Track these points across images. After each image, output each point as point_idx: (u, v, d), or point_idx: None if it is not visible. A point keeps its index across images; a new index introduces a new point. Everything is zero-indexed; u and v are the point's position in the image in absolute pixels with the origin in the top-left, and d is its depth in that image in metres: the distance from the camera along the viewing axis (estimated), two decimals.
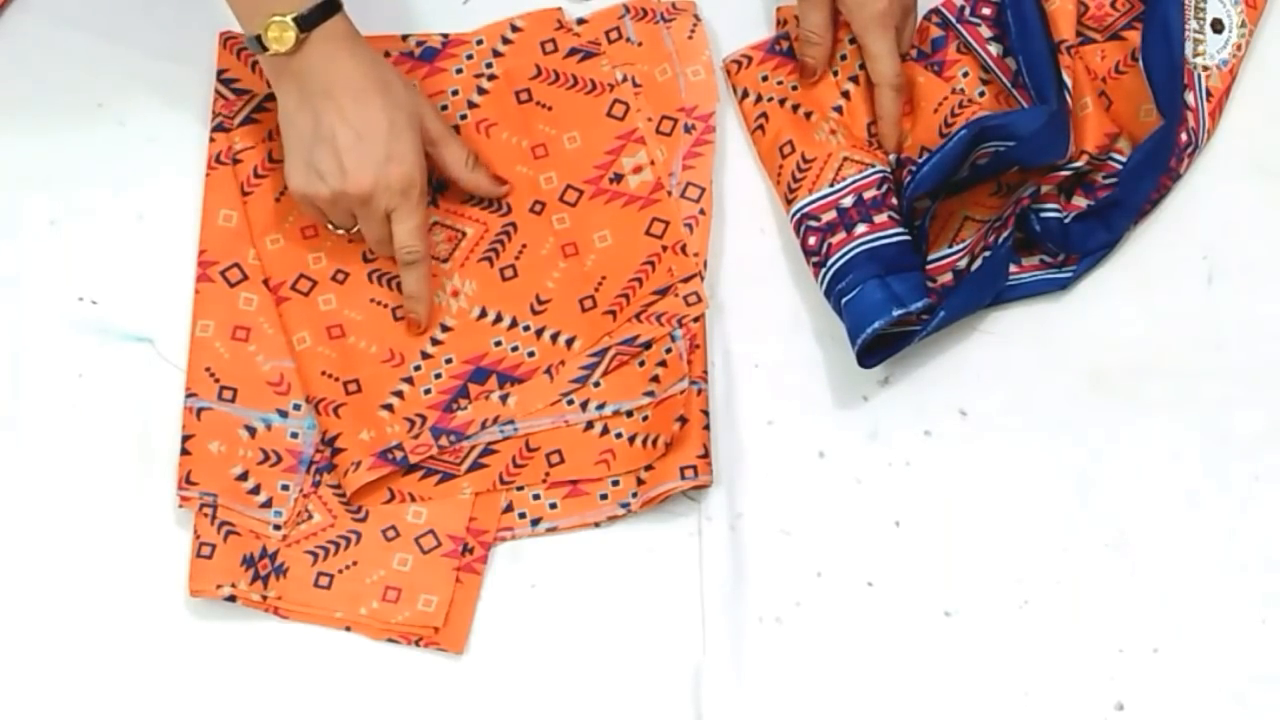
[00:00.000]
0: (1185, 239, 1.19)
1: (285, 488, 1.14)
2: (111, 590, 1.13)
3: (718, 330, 1.18)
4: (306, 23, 1.10)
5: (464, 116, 1.22)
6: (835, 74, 1.21)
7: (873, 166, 1.16)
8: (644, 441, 1.14)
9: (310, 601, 1.12)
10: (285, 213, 1.19)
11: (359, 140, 1.11)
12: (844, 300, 1.13)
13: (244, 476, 1.14)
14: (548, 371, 1.16)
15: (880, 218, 1.15)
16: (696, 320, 1.16)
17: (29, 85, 1.24)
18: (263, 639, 1.12)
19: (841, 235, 1.14)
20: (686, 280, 1.17)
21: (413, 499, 1.14)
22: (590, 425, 1.15)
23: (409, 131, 1.13)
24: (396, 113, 1.12)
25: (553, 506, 1.15)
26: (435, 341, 1.17)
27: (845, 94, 1.21)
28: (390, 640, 1.12)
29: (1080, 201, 1.18)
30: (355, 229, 1.17)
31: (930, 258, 1.17)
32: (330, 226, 1.17)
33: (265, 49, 1.10)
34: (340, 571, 1.13)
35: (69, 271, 1.20)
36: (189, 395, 1.15)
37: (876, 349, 1.13)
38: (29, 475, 1.15)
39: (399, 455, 1.14)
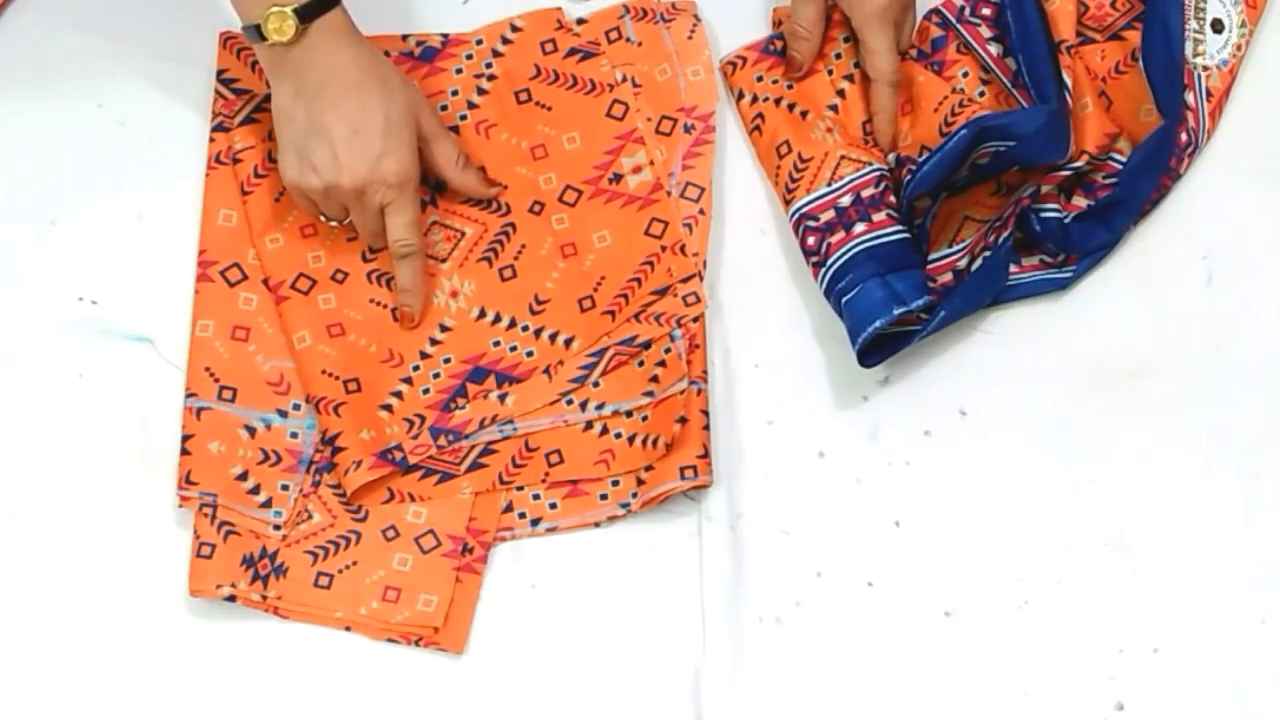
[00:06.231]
0: (1185, 239, 1.18)
1: (285, 488, 1.14)
2: (111, 590, 1.13)
3: (717, 330, 1.18)
4: (306, 14, 1.10)
5: (464, 117, 1.22)
6: (830, 73, 1.21)
7: (870, 165, 1.16)
8: (644, 441, 1.14)
9: (310, 601, 1.12)
10: (285, 212, 1.19)
11: (354, 134, 1.11)
12: (844, 300, 1.13)
13: (244, 476, 1.14)
14: (546, 371, 1.16)
15: (879, 216, 1.15)
16: (695, 320, 1.16)
17: (29, 85, 1.24)
18: (263, 639, 1.12)
19: (840, 234, 1.14)
20: (685, 280, 1.17)
21: (412, 499, 1.14)
22: (590, 425, 1.15)
23: (405, 128, 1.13)
24: (393, 108, 1.12)
25: (553, 506, 1.15)
26: (434, 341, 1.17)
27: (841, 92, 1.21)
28: (390, 640, 1.12)
29: (1080, 201, 1.18)
30: (348, 220, 1.17)
31: (930, 258, 1.17)
32: (323, 218, 1.17)
33: (264, 39, 1.10)
34: (340, 571, 1.13)
35: (69, 271, 1.20)
36: (189, 395, 1.15)
37: (876, 348, 1.13)
38: (29, 475, 1.15)
39: (399, 456, 1.14)
